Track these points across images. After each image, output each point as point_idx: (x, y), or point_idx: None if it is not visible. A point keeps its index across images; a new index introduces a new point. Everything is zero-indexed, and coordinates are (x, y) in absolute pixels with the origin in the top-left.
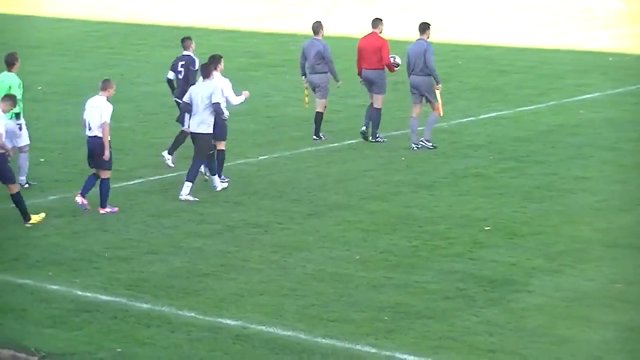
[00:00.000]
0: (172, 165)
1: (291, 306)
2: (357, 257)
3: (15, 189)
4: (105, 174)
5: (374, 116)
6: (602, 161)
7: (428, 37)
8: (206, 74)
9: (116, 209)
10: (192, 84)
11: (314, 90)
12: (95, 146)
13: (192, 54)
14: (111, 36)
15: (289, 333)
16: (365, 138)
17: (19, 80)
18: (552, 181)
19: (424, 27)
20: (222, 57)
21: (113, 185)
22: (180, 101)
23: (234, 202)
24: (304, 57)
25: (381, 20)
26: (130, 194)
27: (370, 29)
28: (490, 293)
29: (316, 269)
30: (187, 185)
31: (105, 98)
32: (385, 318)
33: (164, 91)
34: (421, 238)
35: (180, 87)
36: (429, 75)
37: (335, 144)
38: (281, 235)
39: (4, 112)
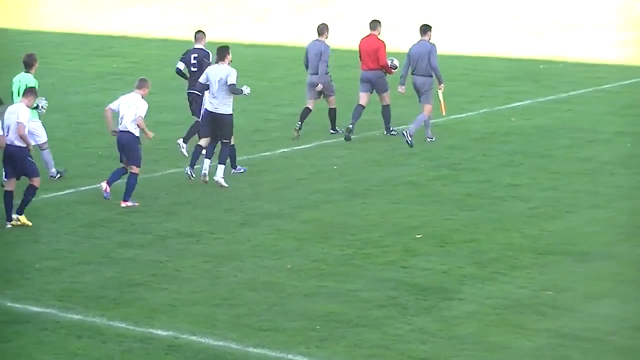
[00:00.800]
0: (187, 155)
1: (223, 316)
2: (289, 266)
3: (37, 183)
4: (134, 169)
5: (385, 113)
6: (533, 168)
7: (430, 39)
8: (221, 57)
9: (138, 203)
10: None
11: (319, 93)
12: (125, 141)
13: (204, 47)
14: (43, 45)
15: (221, 343)
16: (348, 138)
17: (35, 81)
18: (484, 189)
19: (426, 29)
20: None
21: (43, 196)
22: (194, 92)
23: (166, 212)
24: (307, 57)
25: (379, 22)
26: (62, 204)
27: (369, 31)
28: (422, 301)
29: (248, 278)
30: (220, 168)
31: (141, 96)
32: (318, 327)
33: (96, 101)
34: (354, 246)
35: (194, 79)
36: (430, 75)
37: (267, 153)
38: (213, 245)
39: (28, 106)
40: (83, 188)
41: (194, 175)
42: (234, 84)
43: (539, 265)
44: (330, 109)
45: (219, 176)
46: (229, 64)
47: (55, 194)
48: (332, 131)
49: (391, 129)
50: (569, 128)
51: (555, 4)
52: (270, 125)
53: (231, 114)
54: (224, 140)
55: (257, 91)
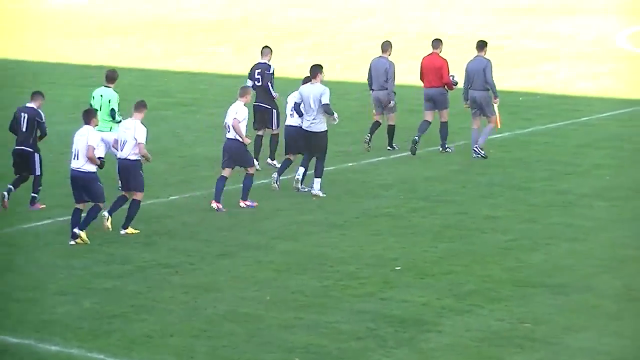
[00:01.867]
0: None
1: (202, 347)
2: (268, 297)
3: (141, 196)
4: (250, 170)
5: (442, 130)
6: (511, 200)
7: (485, 54)
8: (314, 76)
9: (256, 203)
10: (266, 87)
11: (382, 106)
12: (235, 148)
13: (267, 62)
14: (23, 75)
15: None
16: (413, 151)
17: (116, 95)
18: (462, 220)
19: (482, 45)
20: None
21: (21, 226)
22: (261, 105)
23: (145, 243)
24: (370, 73)
25: (441, 41)
26: (40, 235)
27: (431, 49)
28: (401, 333)
29: (227, 310)
30: (317, 182)
31: (243, 104)
32: (297, 359)
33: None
34: (332, 278)
35: (257, 92)
36: (487, 90)
37: None
38: (192, 276)
39: (143, 122)
40: (60, 219)
41: (277, 185)
42: (327, 104)
43: (517, 297)
44: (389, 125)
45: (317, 189)
46: (321, 82)
47: (33, 224)
48: (388, 148)
49: (446, 146)
50: (547, 160)
51: (531, 36)
52: None
53: (326, 131)
54: (320, 156)
55: None
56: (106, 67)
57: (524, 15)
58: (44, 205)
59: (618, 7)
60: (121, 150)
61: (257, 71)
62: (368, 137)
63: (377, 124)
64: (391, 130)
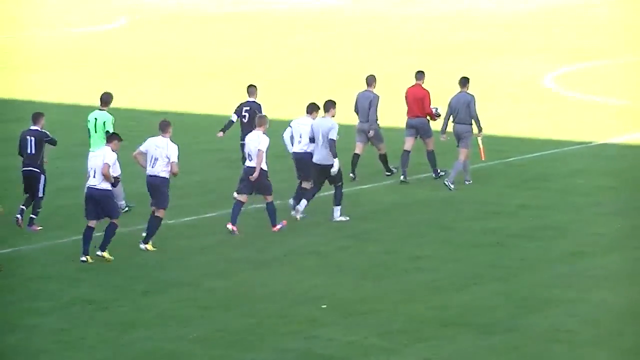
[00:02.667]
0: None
1: None
2: (194, 334)
3: (162, 213)
4: (268, 199)
5: (430, 158)
6: (437, 240)
7: (468, 90)
8: (326, 109)
9: (285, 222)
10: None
11: (368, 139)
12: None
13: (256, 100)
14: None
15: None
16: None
17: (111, 117)
18: (388, 259)
19: (465, 81)
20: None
21: None
22: (244, 143)
23: (71, 278)
24: (356, 107)
25: (424, 72)
26: None
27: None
28: None
29: (152, 347)
30: (337, 209)
31: (262, 132)
32: None
33: (5, 165)
34: (258, 316)
35: (244, 130)
36: (469, 124)
37: (172, 221)
38: (118, 313)
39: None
40: None
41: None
42: (334, 140)
43: (443, 337)
44: (380, 154)
45: (337, 216)
46: (332, 117)
47: None
48: (387, 174)
49: (438, 170)
50: (473, 200)
51: (458, 76)
52: (176, 192)
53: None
54: (337, 184)
55: None
56: (33, 103)
57: (451, 55)
58: (41, 227)
59: (545, 48)
60: (152, 167)
61: (245, 109)
62: (352, 176)
63: (356, 157)
64: (383, 158)
